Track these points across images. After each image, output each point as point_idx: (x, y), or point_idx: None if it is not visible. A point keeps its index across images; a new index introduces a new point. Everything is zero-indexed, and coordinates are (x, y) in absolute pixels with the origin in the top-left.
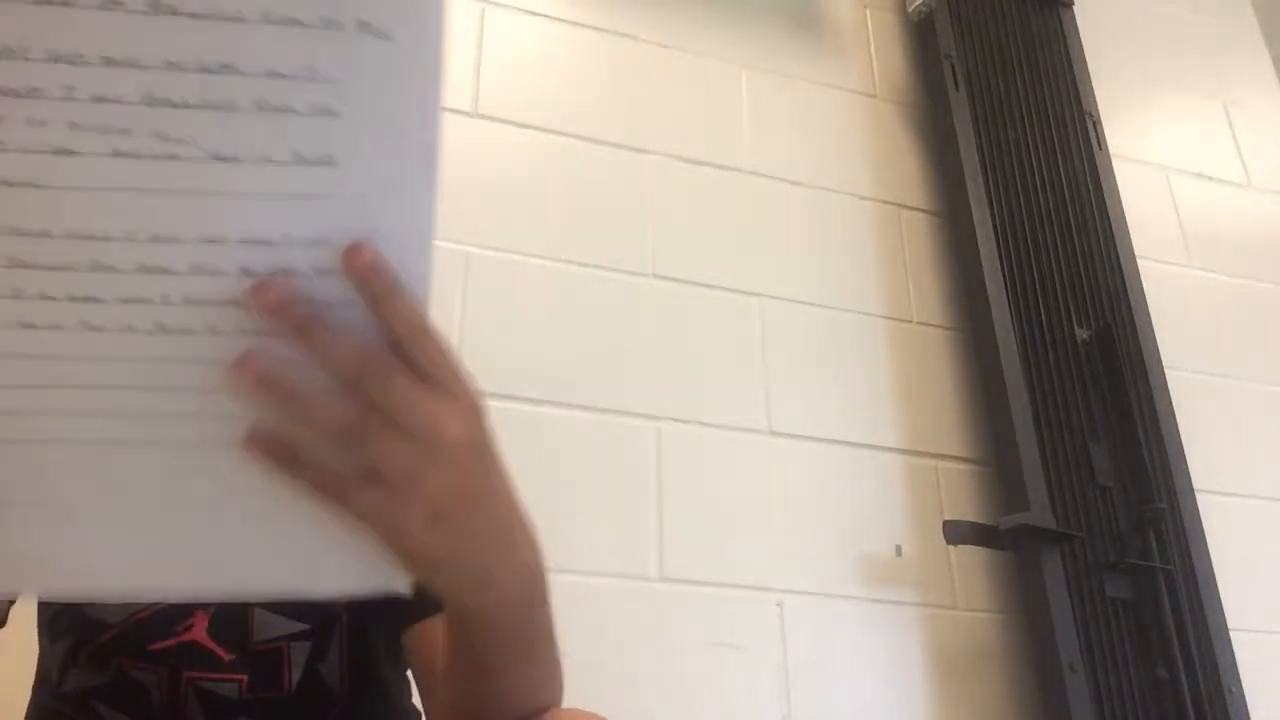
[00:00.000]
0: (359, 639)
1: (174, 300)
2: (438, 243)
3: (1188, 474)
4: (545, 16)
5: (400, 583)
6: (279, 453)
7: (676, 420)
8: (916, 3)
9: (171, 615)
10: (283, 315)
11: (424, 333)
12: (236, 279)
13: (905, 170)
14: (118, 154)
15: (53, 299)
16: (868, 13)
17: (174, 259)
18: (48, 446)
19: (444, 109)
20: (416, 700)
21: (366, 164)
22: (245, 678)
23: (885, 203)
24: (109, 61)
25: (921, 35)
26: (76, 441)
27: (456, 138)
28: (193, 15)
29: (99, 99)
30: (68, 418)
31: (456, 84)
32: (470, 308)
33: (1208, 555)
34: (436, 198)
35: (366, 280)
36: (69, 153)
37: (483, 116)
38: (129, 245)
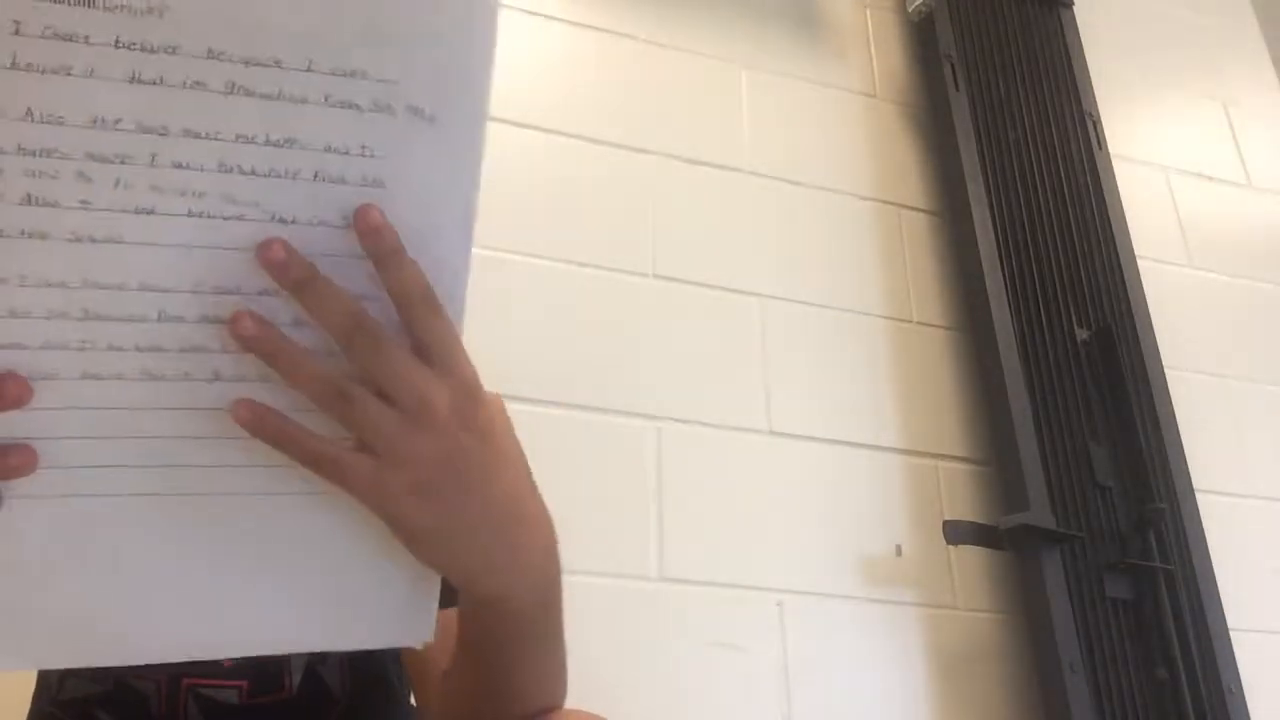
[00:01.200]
0: None
1: (232, 348)
2: None
3: (1188, 474)
4: (545, 16)
5: (423, 635)
6: (268, 423)
7: (676, 420)
8: (916, 3)
9: None
10: (283, 273)
11: (426, 305)
12: (291, 330)
13: (905, 170)
14: (191, 214)
15: (121, 350)
16: (868, 13)
17: (234, 310)
18: (89, 501)
19: (479, 182)
20: None
21: (407, 228)
22: (245, 683)
23: (885, 203)
24: (189, 133)
25: (921, 35)
26: (121, 496)
27: None
28: (264, 96)
29: (178, 165)
30: (119, 472)
31: None
32: (470, 308)
33: (1208, 555)
34: (469, 260)
35: (371, 238)
36: (150, 212)
37: None
38: (195, 297)
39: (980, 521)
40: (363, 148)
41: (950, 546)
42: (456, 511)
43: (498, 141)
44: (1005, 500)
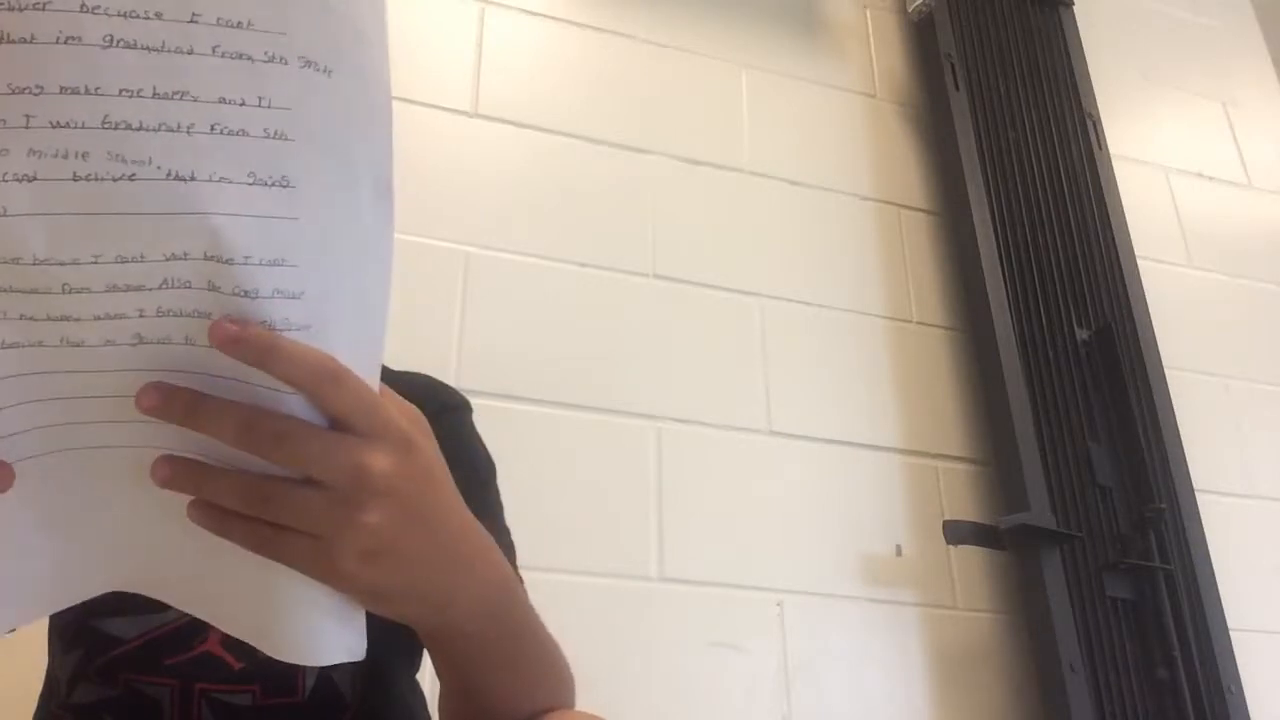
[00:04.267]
0: (372, 645)
1: (149, 313)
2: (437, 243)
3: (1188, 474)
4: (545, 16)
5: (354, 652)
6: (213, 517)
7: (676, 420)
8: (916, 3)
9: (186, 633)
10: (165, 413)
11: (325, 382)
12: (206, 293)
13: (905, 170)
14: (77, 177)
15: (33, 319)
16: (868, 13)
17: (143, 277)
18: (42, 462)
19: (391, 137)
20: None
21: (320, 188)
22: (257, 687)
23: (885, 203)
24: (67, 90)
25: (921, 35)
26: (68, 451)
27: (456, 138)
28: (148, 49)
29: (57, 124)
30: (59, 429)
31: (456, 84)
32: (470, 308)
33: (1208, 555)
34: (391, 221)
35: (237, 349)
36: (31, 179)
37: (483, 116)
38: (97, 268)
39: (980, 521)
40: (260, 99)
41: (950, 546)
42: (409, 567)
43: (498, 142)
44: (1005, 500)
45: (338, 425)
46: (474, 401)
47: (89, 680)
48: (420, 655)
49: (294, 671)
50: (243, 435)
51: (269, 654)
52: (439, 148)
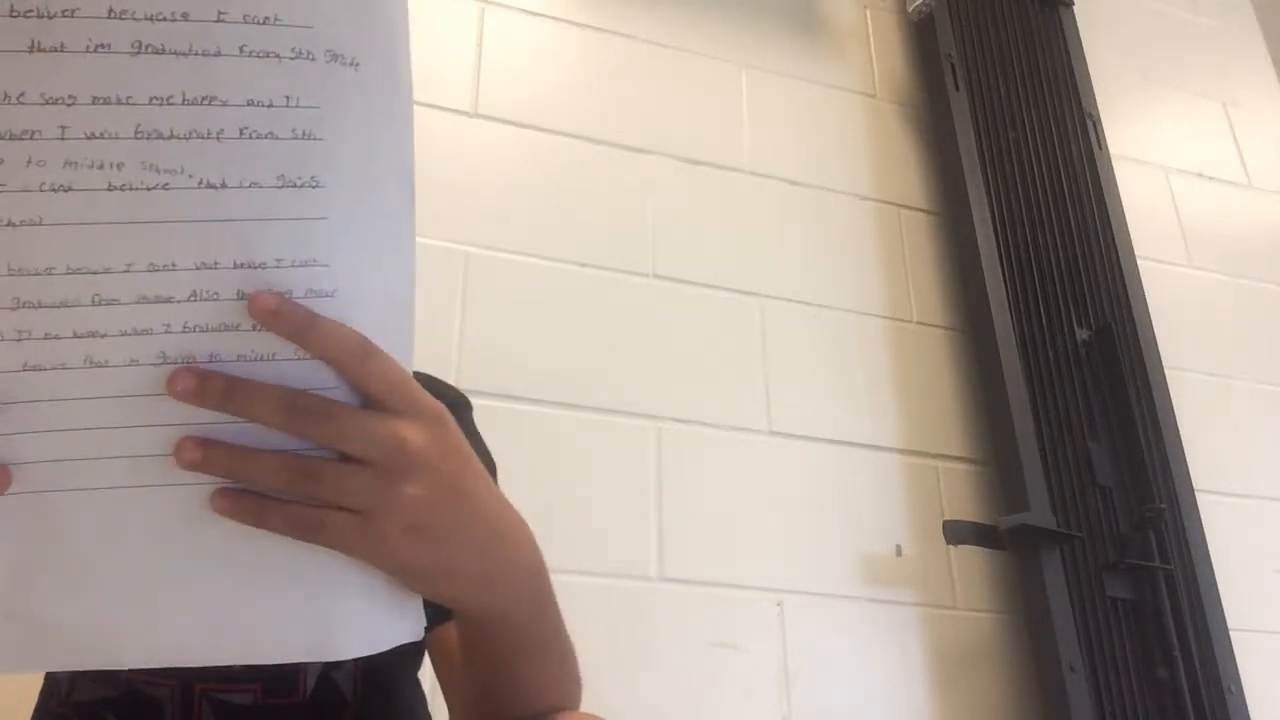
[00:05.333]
0: None
1: (175, 329)
2: (437, 243)
3: (1188, 474)
4: (545, 16)
5: (414, 632)
6: (246, 507)
7: (676, 420)
8: (916, 3)
9: None
10: (200, 398)
11: (358, 357)
12: (234, 304)
13: (905, 170)
14: (112, 187)
15: (58, 338)
16: (868, 13)
17: (173, 287)
18: (59, 498)
19: (413, 130)
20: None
21: (348, 184)
22: (258, 686)
23: (885, 203)
24: (100, 100)
25: (921, 35)
26: (87, 490)
27: (456, 138)
28: (176, 53)
29: (92, 135)
30: (77, 464)
31: (456, 84)
32: (470, 308)
33: (1208, 555)
34: (413, 214)
35: (276, 325)
36: (66, 189)
37: (483, 116)
38: (128, 276)
39: (980, 521)
40: (287, 98)
41: (950, 546)
42: (451, 542)
43: (498, 142)
44: (1005, 500)
45: (370, 404)
46: (474, 401)
47: (89, 679)
48: (421, 655)
49: (295, 671)
50: (286, 414)
51: (325, 659)
52: (439, 148)
